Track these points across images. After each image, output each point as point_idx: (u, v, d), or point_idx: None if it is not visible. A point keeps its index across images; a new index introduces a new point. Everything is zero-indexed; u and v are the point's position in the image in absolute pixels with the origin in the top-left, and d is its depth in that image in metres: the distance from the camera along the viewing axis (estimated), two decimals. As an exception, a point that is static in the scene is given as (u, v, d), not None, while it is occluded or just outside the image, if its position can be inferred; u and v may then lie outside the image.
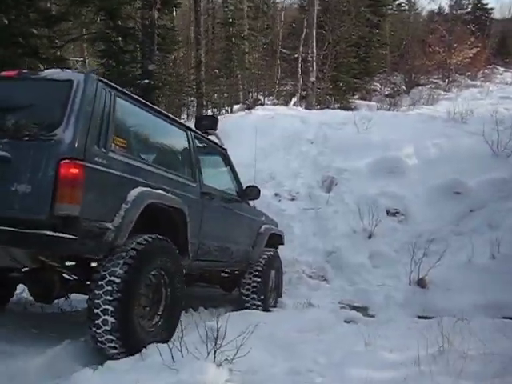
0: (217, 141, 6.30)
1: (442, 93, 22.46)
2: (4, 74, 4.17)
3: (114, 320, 3.60)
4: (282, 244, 7.24)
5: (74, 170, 3.46)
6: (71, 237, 3.42)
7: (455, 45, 27.32)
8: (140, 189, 3.99)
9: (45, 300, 4.74)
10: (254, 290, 6.08)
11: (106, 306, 3.61)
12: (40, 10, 10.74)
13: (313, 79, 17.70)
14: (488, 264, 6.97)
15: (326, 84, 19.61)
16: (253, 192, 6.10)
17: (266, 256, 6.33)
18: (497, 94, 21.23)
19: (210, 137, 6.03)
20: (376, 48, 25.27)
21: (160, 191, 4.24)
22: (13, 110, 3.81)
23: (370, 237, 8.03)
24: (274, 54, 22.72)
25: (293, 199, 9.20)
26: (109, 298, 3.62)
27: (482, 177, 8.96)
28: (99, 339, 3.66)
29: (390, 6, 32.36)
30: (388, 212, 8.57)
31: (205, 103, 16.54)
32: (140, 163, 4.16)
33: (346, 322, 6.16)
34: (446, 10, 34.64)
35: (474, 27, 30.50)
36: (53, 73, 4.00)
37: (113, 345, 3.66)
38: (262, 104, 17.51)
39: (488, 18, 36.67)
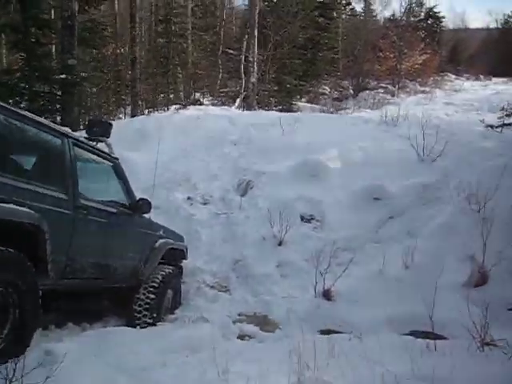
0: (106, 149, 5.76)
1: (389, 97, 22.32)
2: None
3: None
4: (185, 259, 6.86)
5: None
6: None
7: (405, 50, 27.38)
8: None
9: None
10: (147, 307, 5.65)
11: None
12: None
13: (253, 80, 17.30)
14: (400, 274, 6.52)
15: (268, 85, 19.19)
16: (143, 205, 5.66)
17: (163, 273, 5.93)
18: (442, 100, 21.28)
19: (99, 145, 5.56)
20: (324, 51, 25.01)
21: (10, 205, 3.72)
22: None
23: (279, 244, 7.46)
24: (218, 54, 22.21)
25: (205, 203, 8.61)
26: None
27: (404, 182, 8.57)
28: None
29: (343, 10, 32.33)
30: (302, 218, 8.03)
31: (140, 103, 15.88)
32: None
33: (239, 337, 5.69)
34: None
35: (425, 34, 30.63)
36: None
37: None
38: (201, 104, 16.96)
39: (439, 26, 36.96)
